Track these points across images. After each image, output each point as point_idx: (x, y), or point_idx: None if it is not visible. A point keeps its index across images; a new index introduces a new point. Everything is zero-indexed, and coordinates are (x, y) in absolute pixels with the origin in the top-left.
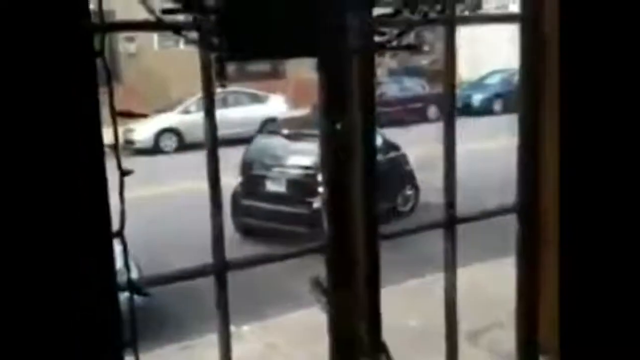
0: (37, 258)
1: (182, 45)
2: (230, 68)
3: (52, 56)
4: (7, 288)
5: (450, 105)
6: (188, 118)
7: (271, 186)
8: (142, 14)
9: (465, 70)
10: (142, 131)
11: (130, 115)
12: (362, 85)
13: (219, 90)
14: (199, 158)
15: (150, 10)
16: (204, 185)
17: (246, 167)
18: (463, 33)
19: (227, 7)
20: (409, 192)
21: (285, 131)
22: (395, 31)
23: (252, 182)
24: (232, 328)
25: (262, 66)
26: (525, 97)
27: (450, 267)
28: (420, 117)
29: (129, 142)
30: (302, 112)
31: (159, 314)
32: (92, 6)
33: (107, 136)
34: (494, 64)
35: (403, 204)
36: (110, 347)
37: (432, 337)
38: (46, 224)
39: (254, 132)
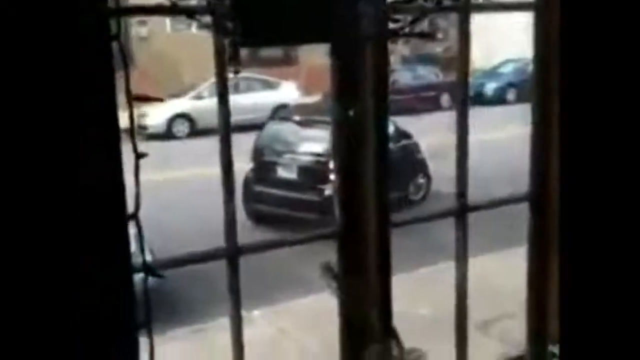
0: (53, 239)
1: (194, 29)
2: (243, 54)
3: (68, 40)
4: (23, 270)
5: (464, 94)
6: (200, 104)
7: (282, 173)
8: None
9: (479, 58)
10: (155, 116)
11: (147, 99)
12: (375, 72)
13: (231, 76)
14: (212, 144)
15: None
16: (216, 171)
17: (258, 153)
18: (477, 21)
19: None
20: (420, 180)
21: (297, 118)
22: (409, 18)
23: (263, 168)
24: (243, 312)
25: (274, 52)
26: (538, 86)
27: (461, 256)
28: (433, 105)
29: (142, 127)
30: (314, 98)
31: (171, 297)
32: None
33: (122, 120)
34: (507, 52)
35: (415, 192)
36: (124, 328)
37: (443, 326)
38: (63, 206)
39: (266, 119)
